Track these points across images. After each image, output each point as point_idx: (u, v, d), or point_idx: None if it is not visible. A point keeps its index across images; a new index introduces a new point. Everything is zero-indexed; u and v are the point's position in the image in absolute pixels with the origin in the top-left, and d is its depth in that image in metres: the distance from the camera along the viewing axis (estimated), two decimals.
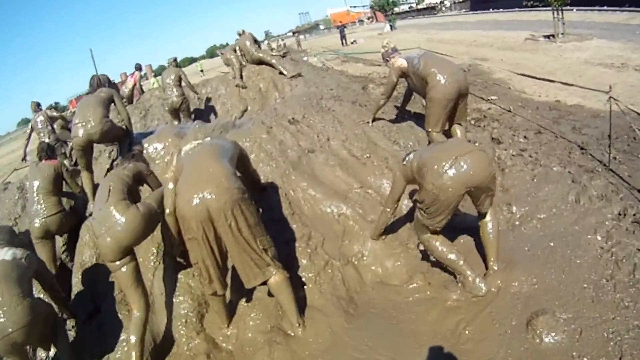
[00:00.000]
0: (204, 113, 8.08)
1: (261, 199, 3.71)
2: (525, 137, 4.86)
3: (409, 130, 4.98)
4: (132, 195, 3.13)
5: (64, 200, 4.15)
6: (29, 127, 7.58)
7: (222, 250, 2.75)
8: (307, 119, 4.69)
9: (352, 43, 21.87)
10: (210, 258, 2.72)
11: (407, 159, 3.12)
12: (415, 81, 4.44)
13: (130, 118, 4.67)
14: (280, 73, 7.98)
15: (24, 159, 7.88)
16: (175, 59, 7.96)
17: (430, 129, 4.33)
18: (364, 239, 3.53)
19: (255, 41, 8.32)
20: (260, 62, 8.38)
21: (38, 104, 7.72)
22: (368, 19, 49.22)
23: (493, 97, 7.09)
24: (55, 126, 7.71)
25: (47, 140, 7.26)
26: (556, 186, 3.69)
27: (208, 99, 8.36)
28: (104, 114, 4.16)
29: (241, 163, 3.36)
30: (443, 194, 2.72)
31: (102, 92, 4.38)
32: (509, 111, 5.99)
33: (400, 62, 4.49)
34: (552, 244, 3.06)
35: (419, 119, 5.26)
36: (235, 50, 8.41)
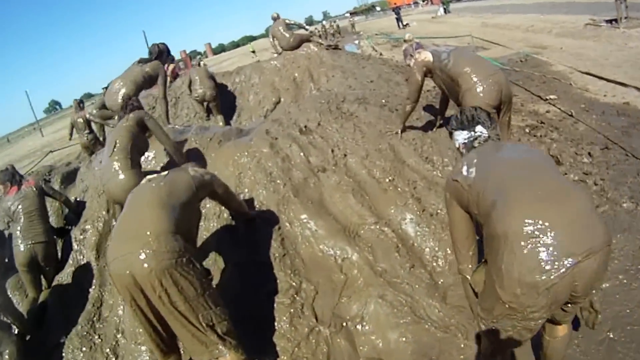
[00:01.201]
0: (236, 104, 7.42)
1: (246, 233, 2.96)
2: (589, 154, 3.82)
3: (446, 144, 3.92)
4: (139, 145, 3.28)
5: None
6: (70, 123, 7.53)
7: (160, 318, 2.07)
8: (323, 128, 3.81)
9: (405, 26, 20.13)
10: (145, 325, 2.06)
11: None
12: (443, 81, 3.39)
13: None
14: (319, 43, 7.61)
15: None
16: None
17: None
18: (368, 298, 2.66)
19: (288, 26, 7.53)
20: (299, 44, 7.60)
21: (80, 102, 7.68)
22: (423, 0, 46.15)
23: (552, 97, 5.88)
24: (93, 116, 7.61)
25: (85, 139, 7.19)
26: (626, 237, 2.62)
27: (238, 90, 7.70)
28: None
29: (215, 196, 2.65)
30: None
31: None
32: (571, 115, 4.93)
33: (425, 55, 3.43)
34: (610, 335, 2.05)
35: None
36: (272, 39, 7.75)
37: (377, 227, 3.04)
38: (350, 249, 2.89)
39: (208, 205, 3.20)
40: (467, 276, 1.91)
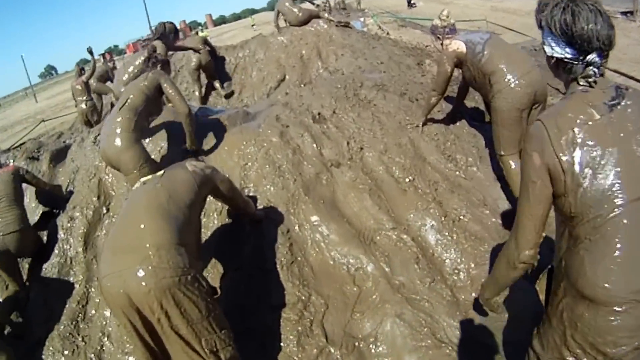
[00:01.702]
0: (238, 80, 6.93)
1: (251, 234, 2.62)
2: None
3: (470, 140, 3.55)
4: (150, 109, 2.98)
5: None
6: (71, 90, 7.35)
7: (157, 340, 1.75)
8: (338, 117, 3.41)
9: (412, 6, 19.23)
10: (139, 345, 1.74)
11: None
12: (472, 74, 2.97)
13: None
14: (329, 20, 7.18)
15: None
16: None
17: (502, 153, 2.91)
18: (383, 316, 2.36)
19: (294, 0, 7.01)
20: (308, 20, 7.08)
21: (82, 69, 7.41)
22: None
23: None
24: (92, 81, 7.26)
25: (83, 106, 6.89)
26: None
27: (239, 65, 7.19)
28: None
29: (217, 194, 2.30)
30: None
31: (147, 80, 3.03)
32: None
33: (458, 45, 2.99)
34: None
35: (487, 125, 3.83)
36: (277, 15, 7.24)
37: (395, 233, 2.72)
38: (365, 257, 2.57)
39: (207, 199, 2.85)
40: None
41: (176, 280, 1.61)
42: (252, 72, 6.93)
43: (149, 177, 2.05)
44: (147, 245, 1.63)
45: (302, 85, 6.54)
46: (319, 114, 3.37)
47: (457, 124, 3.69)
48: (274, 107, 3.51)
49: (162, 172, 2.06)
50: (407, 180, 3.05)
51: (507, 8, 14.21)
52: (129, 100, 2.84)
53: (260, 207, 2.76)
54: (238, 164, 2.98)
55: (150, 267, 1.59)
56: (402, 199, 2.96)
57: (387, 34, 8.20)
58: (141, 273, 1.60)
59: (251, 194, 2.84)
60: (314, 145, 3.11)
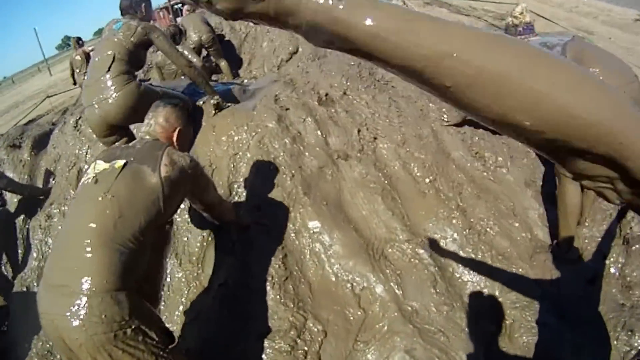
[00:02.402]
0: (248, 49, 6.29)
1: (239, 241, 2.16)
2: None
3: (500, 136, 2.98)
4: (137, 61, 2.62)
5: None
6: (69, 64, 6.79)
7: None
8: (349, 99, 2.84)
9: None
10: None
11: None
12: None
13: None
14: None
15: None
16: None
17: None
18: (391, 350, 1.92)
19: None
20: None
21: (79, 40, 6.82)
22: None
23: None
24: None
25: (83, 77, 6.41)
26: None
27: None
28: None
29: (193, 197, 1.83)
30: None
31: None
32: None
33: None
34: None
35: None
36: None
37: (410, 247, 2.23)
38: (374, 275, 2.10)
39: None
40: None
41: (111, 337, 1.18)
42: (262, 42, 6.28)
43: (107, 166, 1.56)
44: (77, 290, 1.21)
45: (316, 60, 5.91)
46: (326, 94, 2.81)
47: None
48: (275, 84, 2.94)
49: (122, 163, 1.57)
50: (427, 180, 2.53)
51: None
52: (115, 60, 2.44)
53: (249, 208, 2.28)
54: (227, 154, 2.48)
55: (79, 321, 1.17)
56: (420, 204, 2.45)
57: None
58: (71, 323, 1.19)
59: (240, 191, 2.36)
60: (318, 132, 2.57)
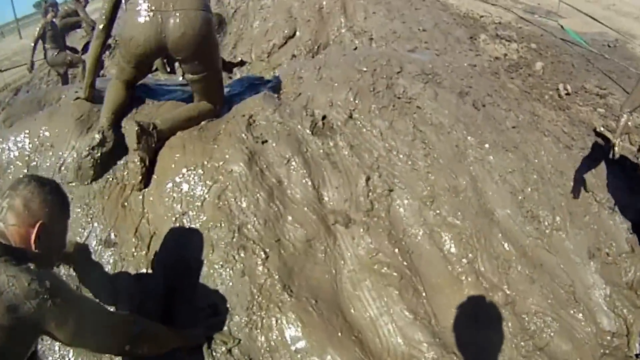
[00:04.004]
0: (236, 29, 5.22)
1: None
2: None
3: (557, 182, 2.09)
4: None
5: None
6: (36, 31, 5.34)
7: None
8: (356, 125, 1.90)
9: None
10: None
11: None
12: None
13: None
14: None
15: (30, 68, 5.72)
16: None
17: None
18: None
19: None
20: None
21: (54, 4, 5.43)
22: None
23: None
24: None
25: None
26: None
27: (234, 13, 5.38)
28: None
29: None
30: None
31: None
32: None
33: None
34: None
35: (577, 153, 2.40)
36: None
37: None
38: None
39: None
40: None
41: None
42: (254, 20, 5.17)
43: None
44: None
45: (315, 49, 4.87)
46: (323, 118, 1.86)
47: (541, 152, 2.19)
48: (252, 94, 1.94)
49: None
50: (464, 260, 1.64)
51: None
52: None
53: (199, 310, 1.40)
54: (171, 211, 1.56)
55: None
56: (455, 297, 1.58)
57: None
58: None
59: (187, 280, 1.47)
60: (308, 181, 1.65)
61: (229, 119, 1.75)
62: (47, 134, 2.00)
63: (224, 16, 5.06)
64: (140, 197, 1.68)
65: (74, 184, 1.82)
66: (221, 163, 1.61)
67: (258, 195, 1.56)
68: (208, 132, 1.72)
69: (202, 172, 1.60)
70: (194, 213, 1.56)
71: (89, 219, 1.73)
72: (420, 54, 3.07)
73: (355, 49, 4.71)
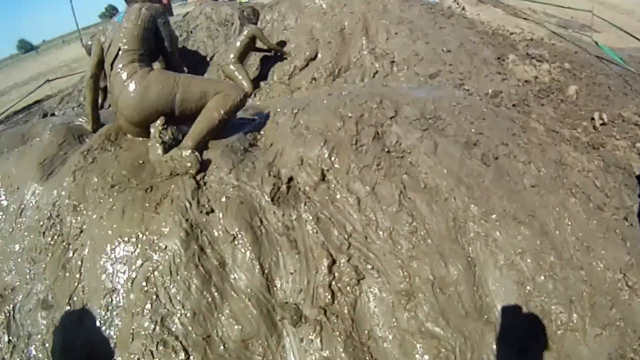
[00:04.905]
0: (257, 53, 5.04)
1: None
2: None
3: (575, 267, 1.62)
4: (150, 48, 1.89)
5: None
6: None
7: None
8: (329, 190, 1.56)
9: None
10: None
11: None
12: None
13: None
14: None
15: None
16: None
17: None
18: None
19: None
20: None
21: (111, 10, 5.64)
22: None
23: None
24: None
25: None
26: None
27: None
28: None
29: None
30: None
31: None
32: None
33: None
34: None
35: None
36: None
37: None
38: None
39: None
40: None
41: None
42: (277, 41, 5.02)
43: None
44: None
45: (336, 72, 4.57)
46: (290, 180, 1.55)
47: (564, 219, 1.73)
48: (213, 150, 1.66)
49: None
50: None
51: (612, 4, 10.11)
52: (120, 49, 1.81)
53: None
54: (102, 287, 1.33)
55: None
56: None
57: (463, 9, 5.70)
58: None
59: None
60: (257, 264, 1.35)
61: (178, 180, 1.49)
62: (15, 174, 1.89)
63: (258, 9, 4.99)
64: (79, 261, 1.46)
65: (27, 233, 1.67)
66: (156, 237, 1.34)
67: (190, 281, 1.28)
68: (153, 195, 1.47)
69: (135, 246, 1.36)
70: (123, 292, 1.31)
71: (32, 275, 1.55)
72: (425, 89, 2.66)
73: (376, 73, 4.39)
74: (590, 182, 2.15)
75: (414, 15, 4.46)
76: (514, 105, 3.39)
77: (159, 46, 1.93)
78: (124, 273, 1.33)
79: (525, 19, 5.91)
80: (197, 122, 1.65)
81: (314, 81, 4.50)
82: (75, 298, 1.42)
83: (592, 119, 3.17)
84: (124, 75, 1.75)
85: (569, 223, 1.80)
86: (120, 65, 1.78)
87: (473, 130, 1.92)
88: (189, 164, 1.48)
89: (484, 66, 4.00)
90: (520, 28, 5.28)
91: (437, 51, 4.18)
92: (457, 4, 5.60)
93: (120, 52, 1.81)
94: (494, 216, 1.63)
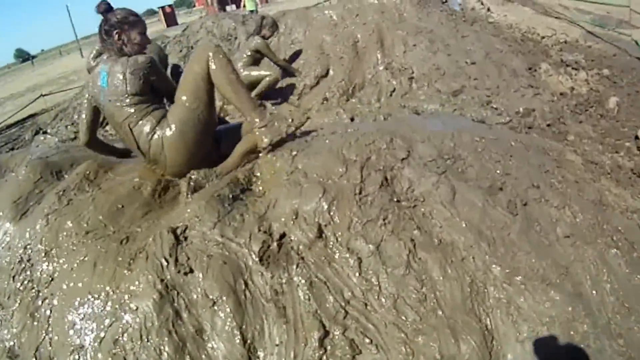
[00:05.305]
0: (263, 67, 4.86)
1: None
2: None
3: (615, 343, 1.36)
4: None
5: None
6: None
7: None
8: (327, 250, 1.36)
9: None
10: None
11: None
12: None
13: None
14: None
15: None
16: None
17: None
18: None
19: None
20: None
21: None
22: None
23: None
24: None
25: None
26: None
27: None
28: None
29: None
30: None
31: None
32: None
33: None
34: None
35: None
36: None
37: None
38: None
39: None
40: None
41: None
42: (285, 57, 4.83)
43: None
44: None
45: (350, 91, 4.27)
46: (282, 237, 1.36)
47: (602, 276, 1.47)
48: (197, 200, 1.48)
49: None
50: None
51: None
52: None
53: None
54: (69, 342, 1.19)
55: None
56: None
57: (488, 10, 5.34)
58: None
59: None
60: (238, 333, 1.16)
61: (156, 233, 1.34)
62: None
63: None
64: (48, 311, 1.34)
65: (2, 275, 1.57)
66: (127, 297, 1.20)
67: (162, 348, 1.12)
68: (128, 248, 1.32)
69: (105, 303, 1.22)
70: (91, 350, 1.18)
71: (0, 321, 1.45)
72: (443, 118, 2.41)
73: (393, 91, 4.12)
74: (634, 226, 1.85)
75: (433, 24, 4.19)
76: (548, 125, 3.08)
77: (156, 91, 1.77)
78: (92, 331, 1.20)
79: (556, 17, 5.49)
80: (231, 99, 1.67)
81: (325, 102, 4.22)
82: (42, 350, 1.30)
83: (637, 137, 2.83)
84: (146, 131, 1.64)
85: (608, 280, 1.53)
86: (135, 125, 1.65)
87: (498, 172, 1.68)
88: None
89: (514, 79, 3.69)
90: (552, 29, 4.87)
91: (461, 64, 3.90)
92: (482, 4, 5.26)
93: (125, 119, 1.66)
94: (518, 278, 1.39)
